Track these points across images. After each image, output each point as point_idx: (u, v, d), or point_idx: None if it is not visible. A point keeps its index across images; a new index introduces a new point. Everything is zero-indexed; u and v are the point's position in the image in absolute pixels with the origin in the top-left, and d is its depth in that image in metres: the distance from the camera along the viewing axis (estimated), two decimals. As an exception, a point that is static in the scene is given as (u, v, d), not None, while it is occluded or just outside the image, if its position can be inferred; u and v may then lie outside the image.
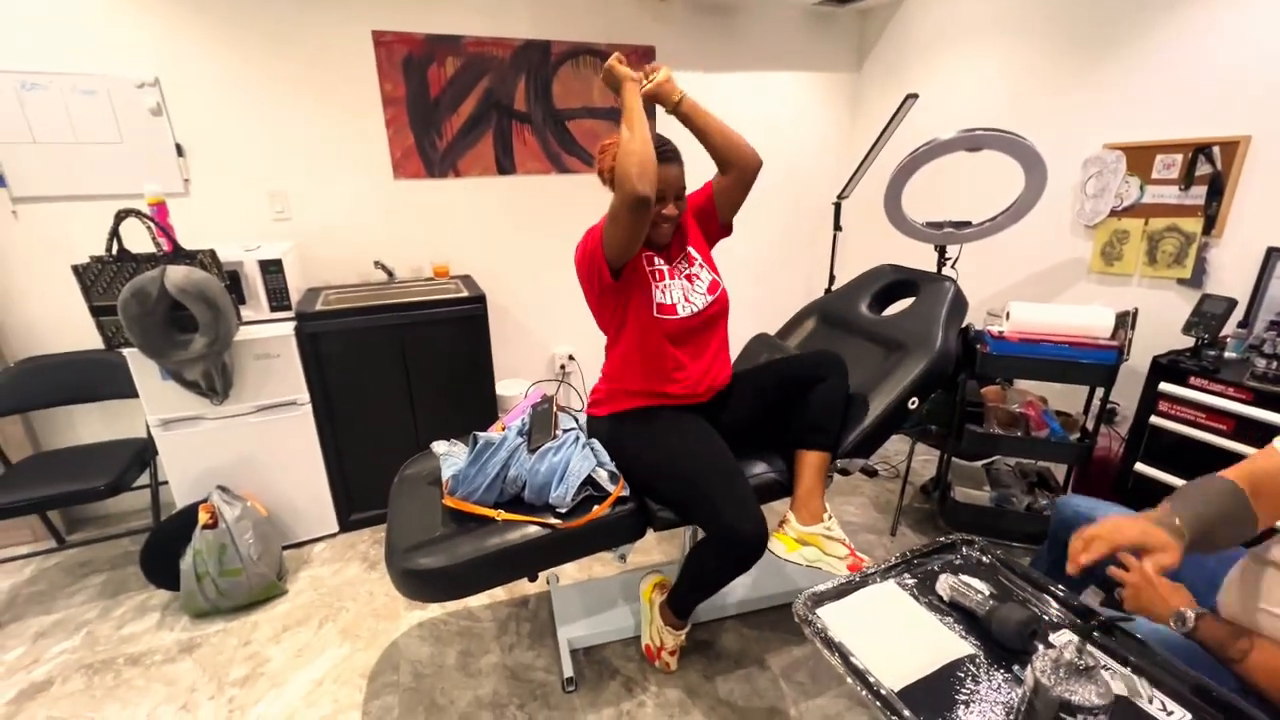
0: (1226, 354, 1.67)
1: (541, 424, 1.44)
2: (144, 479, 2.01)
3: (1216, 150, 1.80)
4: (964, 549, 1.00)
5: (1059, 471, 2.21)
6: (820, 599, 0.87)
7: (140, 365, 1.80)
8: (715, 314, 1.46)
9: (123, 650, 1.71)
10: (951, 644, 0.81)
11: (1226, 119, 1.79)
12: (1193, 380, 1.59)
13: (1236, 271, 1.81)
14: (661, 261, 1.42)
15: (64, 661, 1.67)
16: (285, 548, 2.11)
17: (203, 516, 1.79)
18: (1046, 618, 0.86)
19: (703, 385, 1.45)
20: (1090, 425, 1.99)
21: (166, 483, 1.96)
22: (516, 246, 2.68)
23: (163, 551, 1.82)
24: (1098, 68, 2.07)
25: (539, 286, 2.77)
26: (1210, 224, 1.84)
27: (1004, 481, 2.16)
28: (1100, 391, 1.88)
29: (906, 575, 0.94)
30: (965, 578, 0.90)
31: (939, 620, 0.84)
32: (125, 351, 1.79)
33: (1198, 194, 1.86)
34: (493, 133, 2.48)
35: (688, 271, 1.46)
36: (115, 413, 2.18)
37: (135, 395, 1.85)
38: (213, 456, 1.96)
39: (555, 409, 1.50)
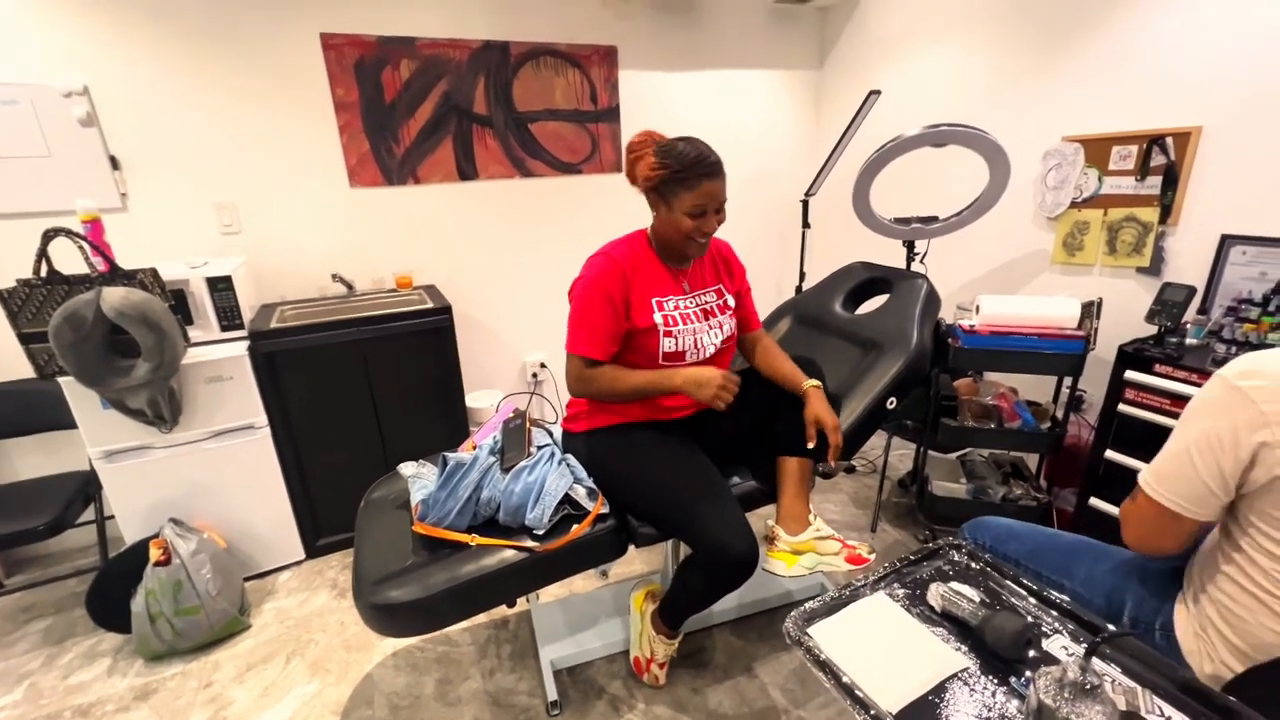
0: (1187, 340, 1.71)
1: (514, 441, 1.38)
2: (89, 514, 1.88)
3: (1170, 141, 1.84)
4: (952, 553, 0.99)
5: (1031, 461, 2.24)
6: (811, 617, 0.84)
7: (78, 395, 1.67)
8: (724, 349, 1.44)
9: (70, 702, 1.59)
10: (946, 657, 0.79)
11: (1179, 110, 1.83)
12: (1158, 368, 1.62)
13: (1192, 259, 1.86)
14: (676, 300, 1.34)
15: (5, 719, 1.55)
16: (247, 579, 2.00)
17: (154, 553, 1.68)
18: (1040, 624, 0.84)
19: (692, 409, 1.42)
20: (1060, 414, 2.02)
21: (113, 517, 1.84)
22: (482, 253, 2.61)
23: (111, 592, 1.70)
24: (1054, 61, 2.11)
25: (507, 294, 2.70)
26: (1166, 213, 1.89)
27: (979, 473, 2.19)
28: (1069, 380, 1.92)
29: (897, 585, 0.92)
30: (956, 585, 0.88)
31: (931, 632, 0.82)
32: (61, 380, 1.66)
33: (1153, 184, 1.90)
34: (453, 137, 2.40)
35: (708, 304, 1.41)
36: (54, 445, 2.04)
37: (75, 426, 1.72)
38: (163, 487, 1.84)
39: (528, 424, 1.45)
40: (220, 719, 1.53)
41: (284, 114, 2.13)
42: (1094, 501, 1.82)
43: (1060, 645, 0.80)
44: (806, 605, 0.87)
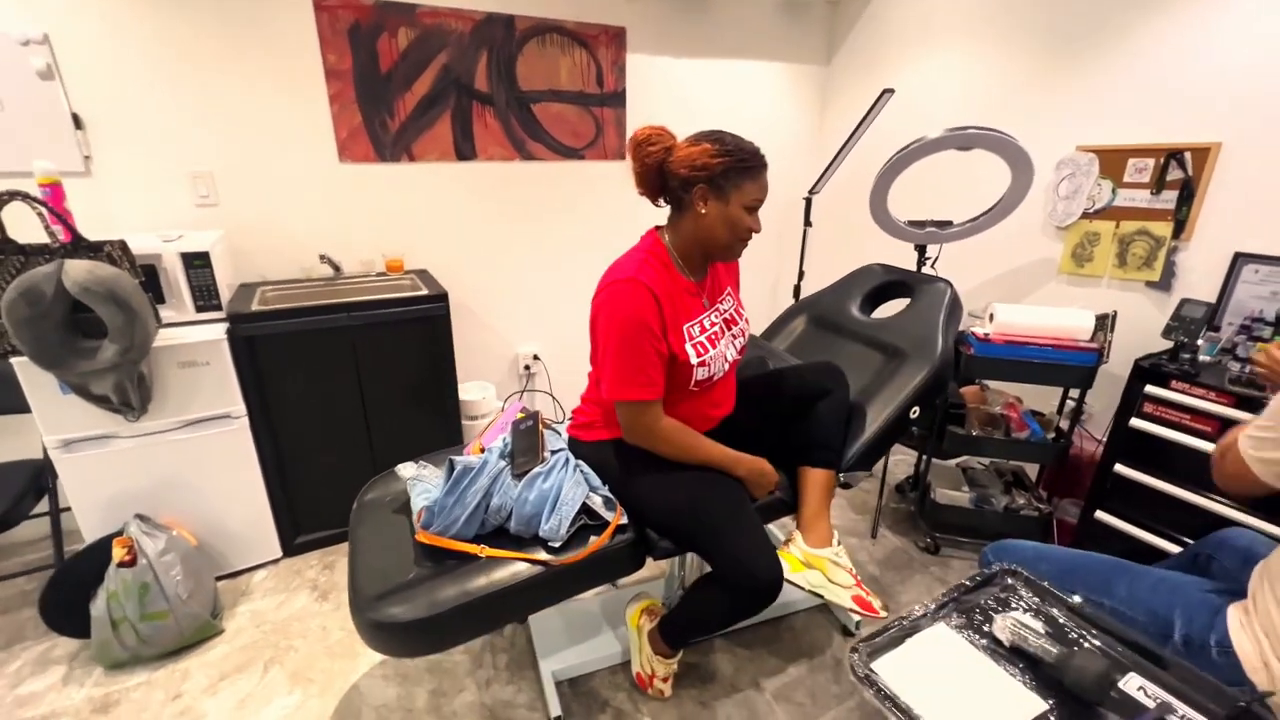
0: (1200, 357, 1.70)
1: (526, 444, 1.29)
2: (43, 505, 1.72)
3: (1188, 156, 1.83)
4: (1008, 579, 0.94)
5: (1030, 470, 2.24)
6: (874, 650, 0.78)
7: (32, 377, 1.51)
8: (739, 358, 1.37)
9: (20, 715, 1.45)
10: (1023, 700, 0.74)
11: (1198, 125, 1.82)
12: (1174, 384, 1.61)
13: (1204, 275, 1.86)
14: (701, 321, 1.25)
15: (-57, 734, 1.40)
16: (219, 578, 1.87)
17: (118, 552, 1.53)
18: (1122, 664, 0.79)
19: (715, 423, 1.35)
20: (1064, 425, 2.01)
21: (69, 509, 1.68)
22: (477, 238, 2.48)
23: (67, 594, 1.55)
24: (1073, 69, 2.08)
25: (501, 281, 2.58)
26: (1180, 228, 1.88)
27: (980, 481, 2.18)
28: (1073, 391, 1.91)
29: (955, 615, 0.86)
30: (1021, 617, 0.83)
31: (1005, 670, 0.77)
32: (14, 361, 1.50)
33: (1168, 198, 1.90)
34: (451, 114, 2.26)
35: (727, 312, 1.34)
36: (5, 430, 1.86)
37: (28, 410, 1.56)
38: (128, 480, 1.69)
39: (541, 427, 1.35)
40: (191, 734, 1.41)
41: (270, 79, 1.97)
42: (1100, 514, 1.82)
43: (1137, 686, 0.75)
44: (873, 640, 0.80)
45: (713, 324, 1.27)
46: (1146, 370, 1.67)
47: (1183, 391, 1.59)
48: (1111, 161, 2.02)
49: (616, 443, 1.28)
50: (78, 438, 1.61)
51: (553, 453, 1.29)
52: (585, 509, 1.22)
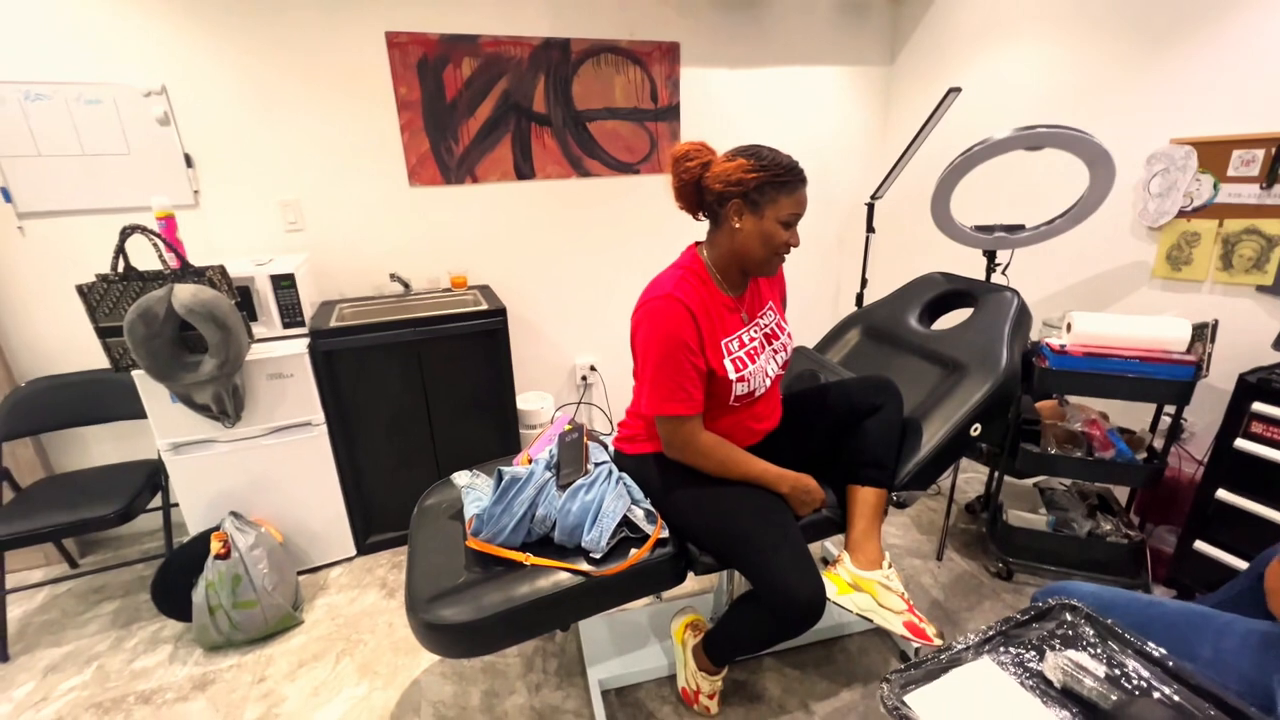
0: (1323, 371, 1.51)
1: (571, 456, 1.33)
2: (156, 501, 1.94)
3: (1305, 145, 1.64)
4: (1066, 614, 0.87)
5: (1120, 494, 2.06)
6: (908, 682, 0.75)
7: (149, 388, 1.72)
8: (783, 372, 1.36)
9: (134, 687, 1.63)
10: (1072, 747, 0.69)
11: (1317, 110, 1.62)
12: (1287, 401, 1.44)
13: (1328, 278, 1.65)
14: (740, 337, 1.25)
15: (74, 699, 1.60)
16: (301, 573, 2.03)
17: (215, 546, 1.71)
18: (1191, 714, 0.71)
19: (759, 437, 1.34)
20: (1159, 444, 1.83)
21: (178, 505, 1.89)
22: (536, 254, 2.58)
23: (174, 582, 1.74)
24: (1163, 55, 1.91)
25: (559, 295, 2.66)
26: (1297, 226, 1.68)
27: (1060, 504, 2.02)
28: (1169, 408, 1.74)
29: (1003, 649, 0.81)
30: (1075, 655, 0.77)
31: (1054, 716, 0.72)
32: (134, 374, 1.71)
33: (1282, 193, 1.70)
34: (511, 136, 2.37)
35: (768, 327, 1.32)
36: (127, 433, 2.11)
37: (145, 416, 1.77)
38: (225, 480, 1.88)
39: (585, 439, 1.39)
40: (273, 716, 1.54)
41: (348, 113, 2.15)
42: (1199, 544, 1.65)
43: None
44: (910, 671, 0.77)
45: (752, 339, 1.26)
46: (1253, 385, 1.50)
47: (1298, 410, 1.42)
48: (1212, 154, 1.83)
49: (658, 456, 1.30)
50: (184, 441, 1.81)
51: (596, 465, 1.32)
52: (626, 521, 1.24)
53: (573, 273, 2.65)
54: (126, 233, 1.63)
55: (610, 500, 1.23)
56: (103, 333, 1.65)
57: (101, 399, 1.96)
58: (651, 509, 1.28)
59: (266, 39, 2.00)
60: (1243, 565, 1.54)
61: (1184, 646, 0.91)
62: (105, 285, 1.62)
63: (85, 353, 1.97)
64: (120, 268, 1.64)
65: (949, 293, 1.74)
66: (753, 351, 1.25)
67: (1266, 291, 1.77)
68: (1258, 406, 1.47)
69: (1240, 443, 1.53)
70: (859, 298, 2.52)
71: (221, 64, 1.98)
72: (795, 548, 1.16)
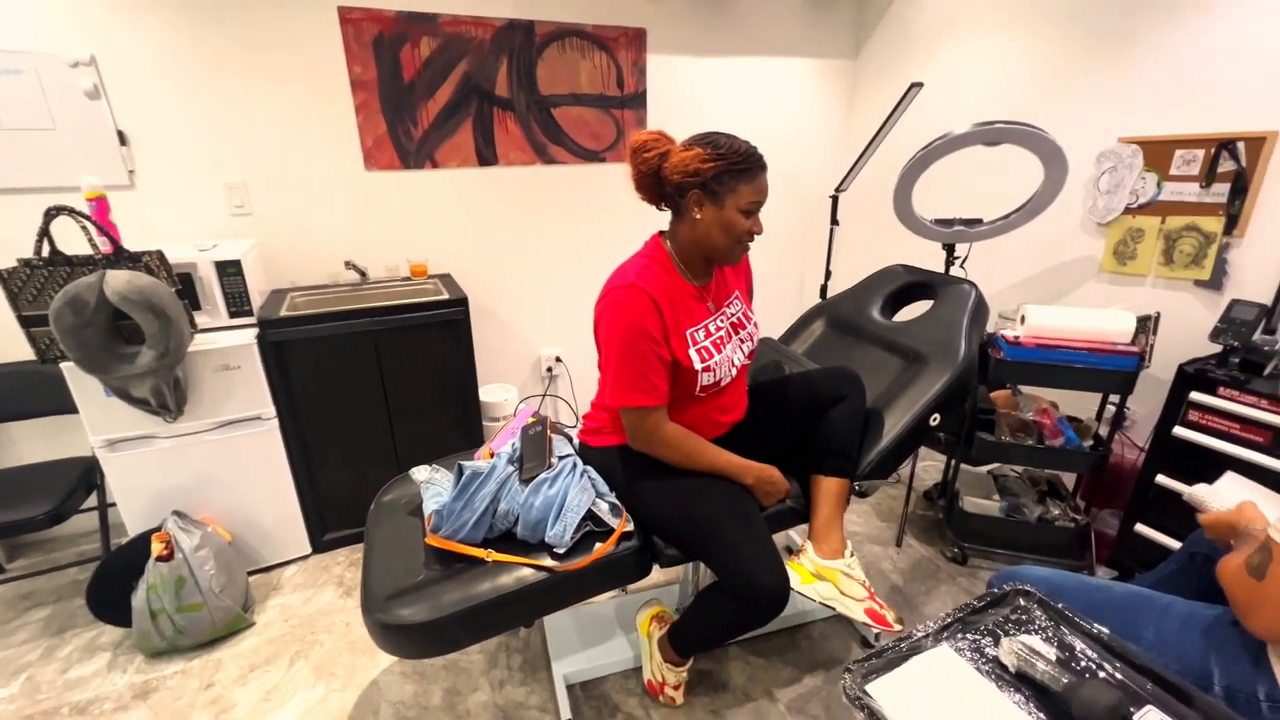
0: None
1: (534, 450, 1.30)
2: (92, 501, 1.82)
3: (1241, 146, 1.72)
4: (1020, 599, 0.89)
5: (1067, 479, 2.14)
6: (870, 671, 0.76)
7: (79, 381, 1.60)
8: (749, 361, 1.35)
9: (68, 698, 1.54)
10: (1025, 729, 0.70)
11: (1253, 113, 1.70)
12: (1222, 390, 1.51)
13: (1259, 274, 1.74)
14: (706, 326, 1.23)
15: (1, 714, 1.50)
16: (252, 573, 1.95)
17: (156, 547, 1.61)
18: (1133, 695, 0.74)
19: (725, 428, 1.33)
20: (1104, 432, 1.91)
21: (115, 505, 1.78)
22: (499, 242, 2.51)
23: (112, 586, 1.65)
24: (1114, 57, 1.97)
25: (523, 284, 2.61)
26: (1232, 223, 1.76)
27: (1012, 490, 2.09)
28: (1114, 397, 1.81)
29: (960, 635, 0.83)
30: (1029, 640, 0.79)
31: (1009, 699, 0.73)
32: (62, 365, 1.60)
33: (1220, 192, 1.78)
34: (472, 120, 2.30)
35: (735, 316, 1.31)
36: (58, 429, 1.98)
37: (76, 411, 1.66)
38: (168, 478, 1.78)
39: (549, 432, 1.36)
40: (221, 723, 1.47)
41: (299, 91, 2.04)
42: (1140, 527, 1.73)
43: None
44: (869, 661, 0.78)
45: (718, 328, 1.25)
46: (1191, 376, 1.57)
47: (1231, 399, 1.49)
48: (1157, 153, 1.91)
49: (623, 448, 1.28)
50: (121, 438, 1.70)
51: (560, 458, 1.30)
52: (591, 515, 1.22)
53: (538, 261, 2.60)
54: (52, 214, 1.51)
55: (574, 494, 1.21)
56: (25, 321, 1.53)
57: (26, 393, 1.83)
58: (616, 502, 1.27)
59: (208, 7, 1.88)
60: (1179, 546, 1.63)
61: (1129, 628, 0.96)
62: (29, 270, 1.50)
63: (6, 344, 1.83)
64: (45, 252, 1.52)
65: (910, 284, 1.77)
66: (719, 341, 1.24)
67: (1204, 286, 1.86)
68: (1195, 396, 1.55)
69: (1178, 430, 1.60)
70: (823, 289, 2.55)
71: (158, 34, 1.85)
72: (760, 539, 1.17)
